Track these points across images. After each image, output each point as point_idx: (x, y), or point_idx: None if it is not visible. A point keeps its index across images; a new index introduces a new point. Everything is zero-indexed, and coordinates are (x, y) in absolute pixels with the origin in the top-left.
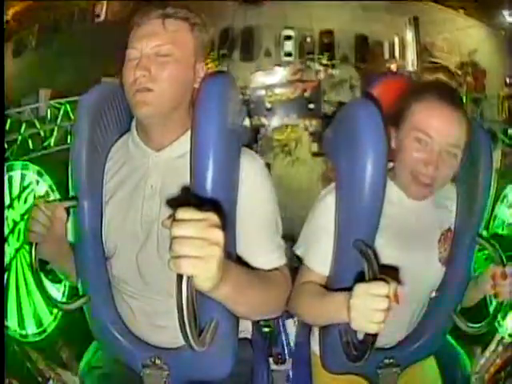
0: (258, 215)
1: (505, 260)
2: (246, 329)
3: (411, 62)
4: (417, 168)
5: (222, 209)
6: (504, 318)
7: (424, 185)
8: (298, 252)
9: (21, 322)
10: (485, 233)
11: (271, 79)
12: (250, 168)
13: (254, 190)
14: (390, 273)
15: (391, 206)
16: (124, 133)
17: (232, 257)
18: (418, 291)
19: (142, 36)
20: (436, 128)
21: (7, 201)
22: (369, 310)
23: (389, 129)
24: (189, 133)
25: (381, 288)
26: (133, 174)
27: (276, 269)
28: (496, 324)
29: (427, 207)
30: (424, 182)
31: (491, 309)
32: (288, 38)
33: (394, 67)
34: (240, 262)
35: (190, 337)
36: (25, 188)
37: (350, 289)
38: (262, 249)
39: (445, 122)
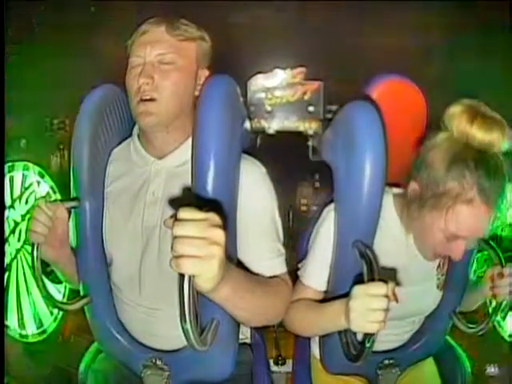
0: (258, 222)
1: (503, 261)
2: (245, 336)
3: None
4: (438, 251)
5: (222, 210)
6: (504, 318)
7: (437, 257)
8: (300, 272)
9: (21, 322)
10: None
11: (271, 82)
12: (250, 174)
13: (254, 197)
14: (388, 273)
15: (386, 235)
16: (126, 136)
17: (232, 261)
18: (415, 316)
19: (145, 44)
20: (467, 229)
21: (8, 201)
22: (368, 310)
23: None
24: (190, 140)
25: (379, 288)
26: (134, 180)
27: (277, 276)
28: (496, 324)
29: None
30: (438, 257)
31: (491, 309)
32: None
33: None
34: (240, 267)
35: (192, 336)
36: (26, 189)
37: (345, 296)
38: (262, 255)
39: (478, 223)
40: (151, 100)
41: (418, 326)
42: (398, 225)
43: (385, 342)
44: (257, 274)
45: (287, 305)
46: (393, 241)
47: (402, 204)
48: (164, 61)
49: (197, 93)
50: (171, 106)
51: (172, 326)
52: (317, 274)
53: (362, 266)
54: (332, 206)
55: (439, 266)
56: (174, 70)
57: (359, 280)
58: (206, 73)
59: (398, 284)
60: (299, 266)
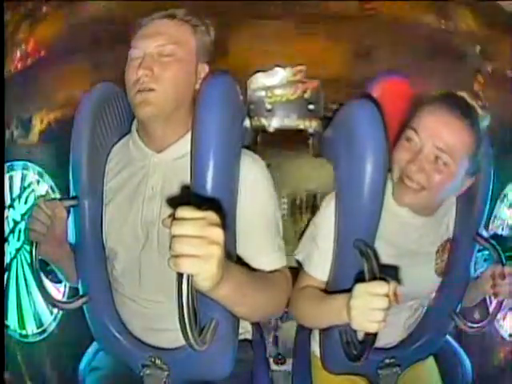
0: (258, 216)
1: (504, 260)
2: (245, 330)
3: None
4: (402, 169)
5: (222, 208)
6: (504, 318)
7: (409, 189)
8: (299, 258)
9: (21, 322)
10: (484, 233)
11: (271, 80)
12: (250, 169)
13: (254, 191)
14: (389, 272)
15: (386, 215)
16: (125, 134)
17: (232, 257)
18: (412, 299)
19: (145, 36)
20: (427, 127)
21: (8, 201)
22: (369, 309)
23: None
24: (189, 134)
25: (380, 287)
26: (133, 175)
27: (277, 270)
28: (496, 324)
29: (429, 221)
30: (409, 186)
31: (492, 308)
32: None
33: None
34: (240, 263)
35: (191, 336)
36: (25, 188)
37: (349, 291)
38: (263, 250)
39: (439, 124)
40: (150, 90)
41: (416, 316)
42: (391, 202)
43: (383, 331)
44: (257, 269)
45: (287, 299)
46: (392, 219)
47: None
48: (164, 53)
49: (197, 86)
50: (170, 97)
51: (172, 319)
52: (322, 264)
53: (363, 265)
54: (332, 194)
55: (438, 251)
56: (174, 61)
57: (361, 278)
58: (206, 68)
59: (399, 283)
60: (295, 253)
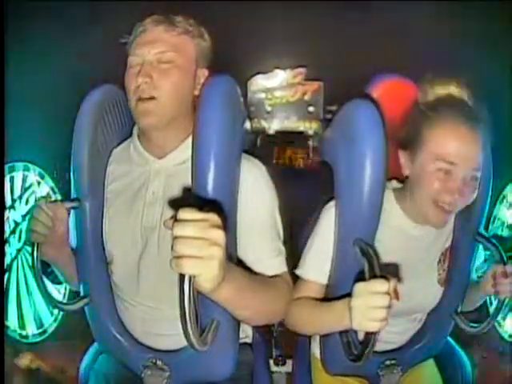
0: (259, 221)
1: (505, 259)
2: (246, 335)
3: None
4: (440, 197)
5: (223, 210)
6: (504, 318)
7: (446, 212)
8: (297, 271)
9: (21, 323)
10: (484, 233)
11: (271, 82)
12: (250, 173)
13: (254, 196)
14: (389, 270)
15: (389, 230)
16: (126, 136)
17: (233, 259)
18: (416, 312)
19: (144, 43)
20: (458, 154)
21: (8, 201)
22: (370, 308)
23: (399, 152)
24: (190, 139)
25: (380, 285)
26: (134, 180)
27: (277, 275)
28: (496, 324)
29: (430, 234)
30: (447, 210)
31: (493, 308)
32: None
33: None
34: (241, 267)
35: (192, 336)
36: (26, 189)
37: (349, 295)
38: (263, 254)
39: (466, 146)
40: (150, 99)
41: (420, 326)
42: (400, 215)
43: (387, 340)
44: (257, 274)
45: (288, 303)
46: (396, 234)
47: (404, 195)
48: (162, 59)
49: (196, 92)
50: (170, 104)
51: (171, 325)
52: (316, 266)
53: (364, 264)
54: (332, 203)
55: (440, 261)
56: (173, 68)
57: (361, 278)
58: (206, 72)
59: (399, 281)
60: (297, 269)
